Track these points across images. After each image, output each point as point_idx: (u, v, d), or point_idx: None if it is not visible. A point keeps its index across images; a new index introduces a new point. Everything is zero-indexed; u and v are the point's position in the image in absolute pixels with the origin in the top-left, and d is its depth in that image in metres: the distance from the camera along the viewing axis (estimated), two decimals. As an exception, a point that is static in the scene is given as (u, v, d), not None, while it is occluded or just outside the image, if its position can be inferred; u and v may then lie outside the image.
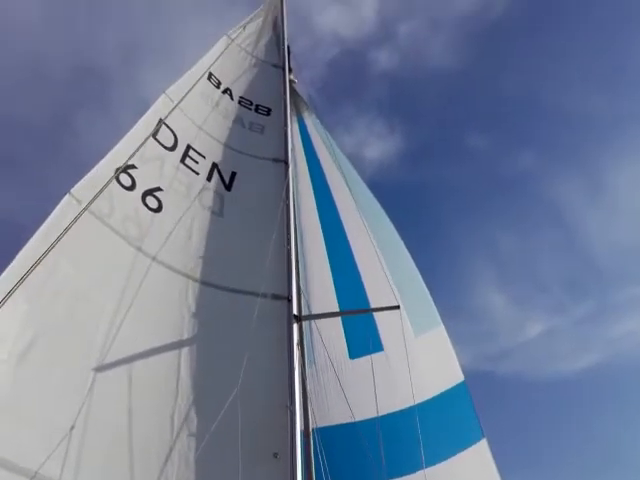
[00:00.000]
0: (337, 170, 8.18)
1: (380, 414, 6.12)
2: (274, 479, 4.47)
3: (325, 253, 7.66)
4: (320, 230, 7.78)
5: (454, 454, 6.70)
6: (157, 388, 4.70)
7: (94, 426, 4.12)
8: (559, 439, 18.70)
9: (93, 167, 5.41)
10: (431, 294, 7.93)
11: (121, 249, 5.26)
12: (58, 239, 4.74)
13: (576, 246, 21.08)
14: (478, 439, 6.87)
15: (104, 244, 5.21)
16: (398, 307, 6.34)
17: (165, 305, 5.22)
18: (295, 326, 5.48)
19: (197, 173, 6.58)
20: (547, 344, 20.74)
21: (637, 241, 20.20)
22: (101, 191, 5.16)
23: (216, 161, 6.87)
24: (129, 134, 6.05)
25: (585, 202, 20.89)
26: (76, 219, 4.82)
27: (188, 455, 4.41)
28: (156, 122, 6.51)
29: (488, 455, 6.77)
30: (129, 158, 5.70)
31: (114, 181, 5.52)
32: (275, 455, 4.54)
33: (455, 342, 7.61)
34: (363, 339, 7.15)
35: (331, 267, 7.60)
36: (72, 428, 4.01)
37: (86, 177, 5.31)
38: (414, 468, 6.25)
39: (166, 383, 4.76)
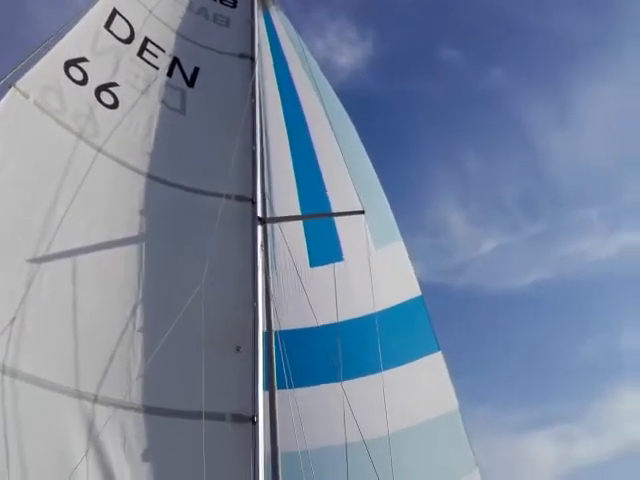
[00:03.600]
0: (304, 70, 7.80)
1: (340, 320, 6.21)
2: (236, 371, 4.53)
3: (289, 156, 7.44)
4: (285, 131, 7.51)
5: (409, 361, 6.86)
6: (107, 281, 4.61)
7: (36, 317, 4.04)
8: (508, 348, 19.61)
9: (39, 59, 5.04)
10: (391, 207, 7.90)
11: (74, 146, 4.98)
12: (5, 135, 4.52)
13: (537, 166, 21.07)
14: (433, 350, 7.04)
15: (56, 141, 4.93)
16: (363, 212, 6.28)
17: (120, 201, 5.04)
18: (259, 228, 5.40)
19: (156, 68, 6.20)
20: (500, 260, 21.25)
21: (598, 164, 20.26)
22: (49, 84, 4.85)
23: (177, 55, 6.47)
24: (79, 25, 5.62)
25: (551, 123, 20.70)
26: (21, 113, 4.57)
27: (146, 346, 4.41)
28: (109, 12, 6.05)
29: (443, 366, 6.97)
30: (79, 50, 5.33)
31: (64, 75, 5.17)
32: (237, 348, 4.59)
33: (412, 255, 7.67)
34: (324, 248, 7.12)
35: (295, 171, 7.41)
36: (13, 319, 3.94)
37: (32, 69, 4.94)
38: (371, 370, 6.41)
39: (122, 276, 4.68)
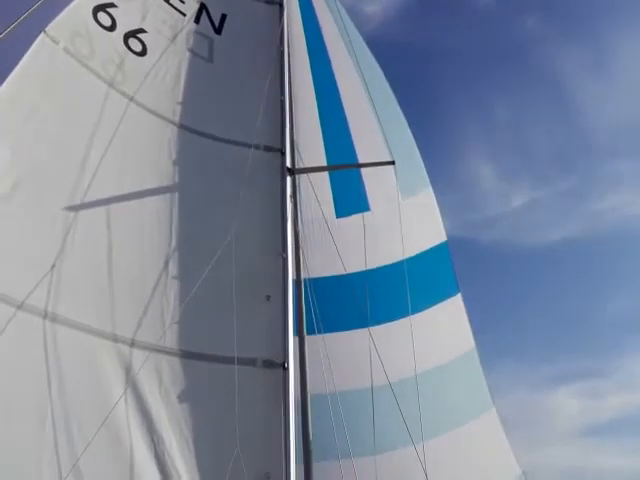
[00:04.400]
0: (332, 16, 7.60)
1: (368, 268, 6.31)
2: (267, 318, 4.64)
3: (315, 105, 7.33)
4: (311, 80, 7.36)
5: (433, 304, 7.02)
6: (141, 229, 4.68)
7: (73, 264, 4.13)
8: (536, 304, 19.61)
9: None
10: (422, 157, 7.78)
11: (105, 94, 4.97)
12: (37, 82, 4.52)
13: (570, 119, 20.50)
14: (454, 293, 7.20)
15: (87, 89, 4.92)
16: (393, 163, 6.23)
17: (151, 150, 5.06)
18: (288, 179, 5.40)
19: (184, 14, 6.10)
20: (530, 215, 21.00)
21: (632, 117, 19.50)
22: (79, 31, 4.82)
23: (204, 1, 6.36)
24: None
25: (586, 74, 19.94)
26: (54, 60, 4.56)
27: (179, 293, 4.52)
28: (135, -43, 5.92)
29: (461, 306, 7.14)
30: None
31: (92, 20, 5.12)
32: (268, 298, 4.68)
33: (441, 209, 7.67)
34: (350, 198, 7.13)
35: (320, 121, 7.32)
36: (53, 266, 4.03)
37: (61, 14, 4.90)
38: (398, 315, 6.62)
39: (156, 224, 4.74)
